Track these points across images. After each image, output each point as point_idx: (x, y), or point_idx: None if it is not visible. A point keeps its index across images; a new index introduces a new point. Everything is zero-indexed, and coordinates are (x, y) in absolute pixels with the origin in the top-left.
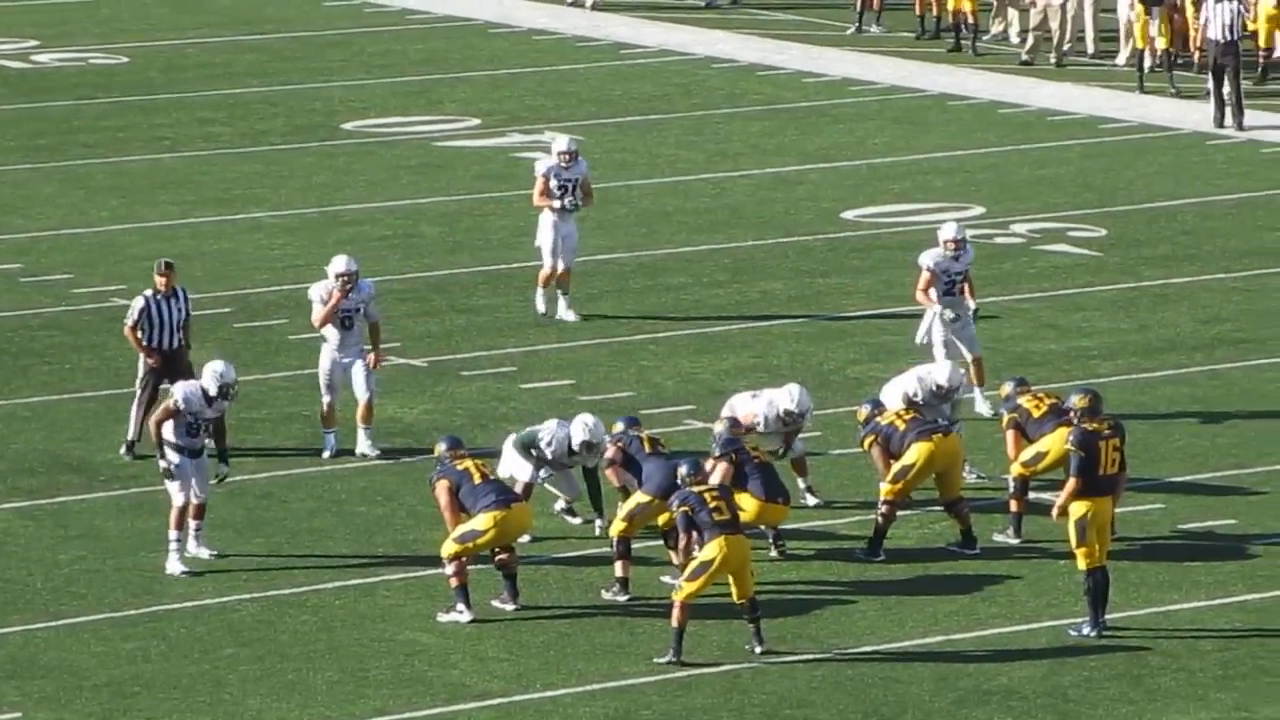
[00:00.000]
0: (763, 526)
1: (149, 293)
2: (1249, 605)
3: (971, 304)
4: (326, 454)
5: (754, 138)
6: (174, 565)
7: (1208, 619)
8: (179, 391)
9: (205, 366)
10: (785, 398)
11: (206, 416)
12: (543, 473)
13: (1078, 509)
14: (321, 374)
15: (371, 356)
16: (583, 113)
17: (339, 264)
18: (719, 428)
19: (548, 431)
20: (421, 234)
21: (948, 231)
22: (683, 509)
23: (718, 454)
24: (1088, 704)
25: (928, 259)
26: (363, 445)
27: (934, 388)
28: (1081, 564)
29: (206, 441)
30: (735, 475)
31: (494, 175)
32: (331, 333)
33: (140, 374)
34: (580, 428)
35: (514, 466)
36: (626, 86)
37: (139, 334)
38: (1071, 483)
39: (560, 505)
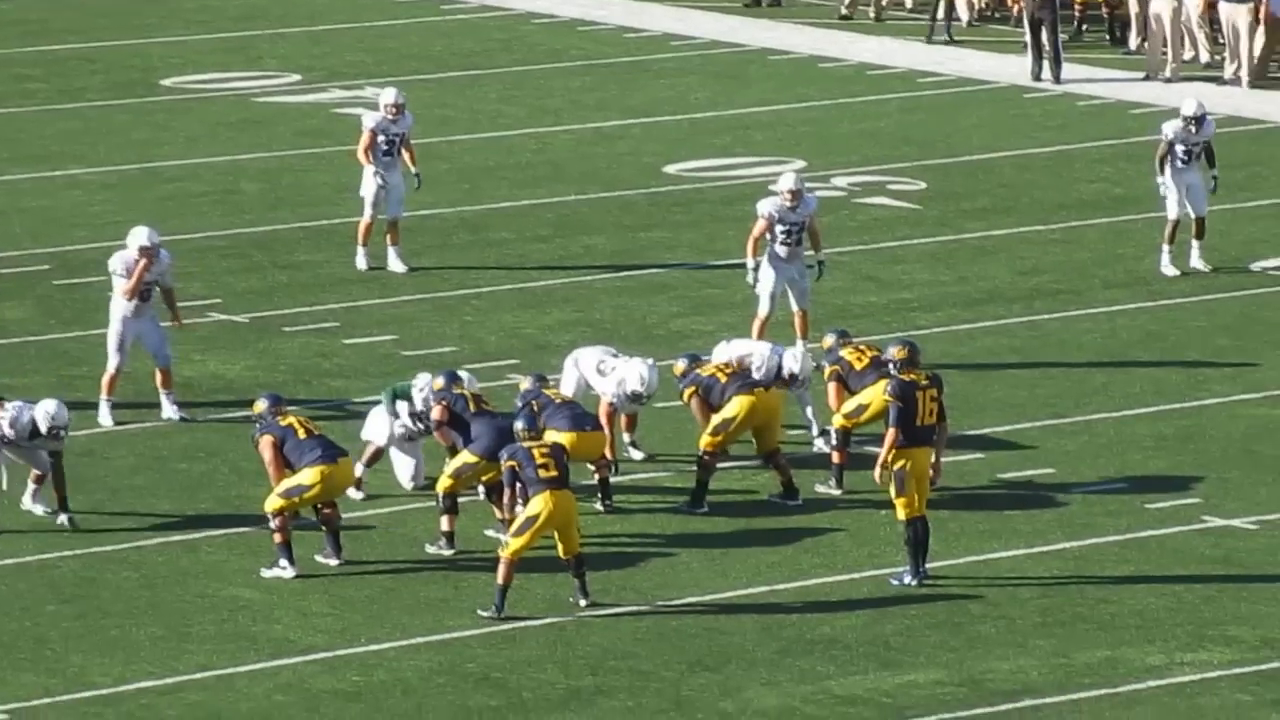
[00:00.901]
0: (588, 464)
1: None
2: (1067, 553)
3: (819, 255)
4: (105, 423)
5: (575, 93)
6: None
7: (1027, 567)
8: (10, 410)
9: (40, 404)
10: (635, 379)
11: (24, 445)
12: (399, 427)
13: (896, 460)
14: (112, 336)
15: (173, 319)
16: (404, 68)
17: (141, 237)
18: (525, 383)
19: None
20: (242, 190)
21: (785, 182)
22: (510, 464)
23: (519, 406)
24: (909, 652)
25: (765, 206)
26: (167, 410)
27: (783, 371)
28: (901, 514)
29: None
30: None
31: (314, 131)
32: (128, 301)
33: None
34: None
35: (373, 429)
36: (447, 42)
37: None
38: (891, 433)
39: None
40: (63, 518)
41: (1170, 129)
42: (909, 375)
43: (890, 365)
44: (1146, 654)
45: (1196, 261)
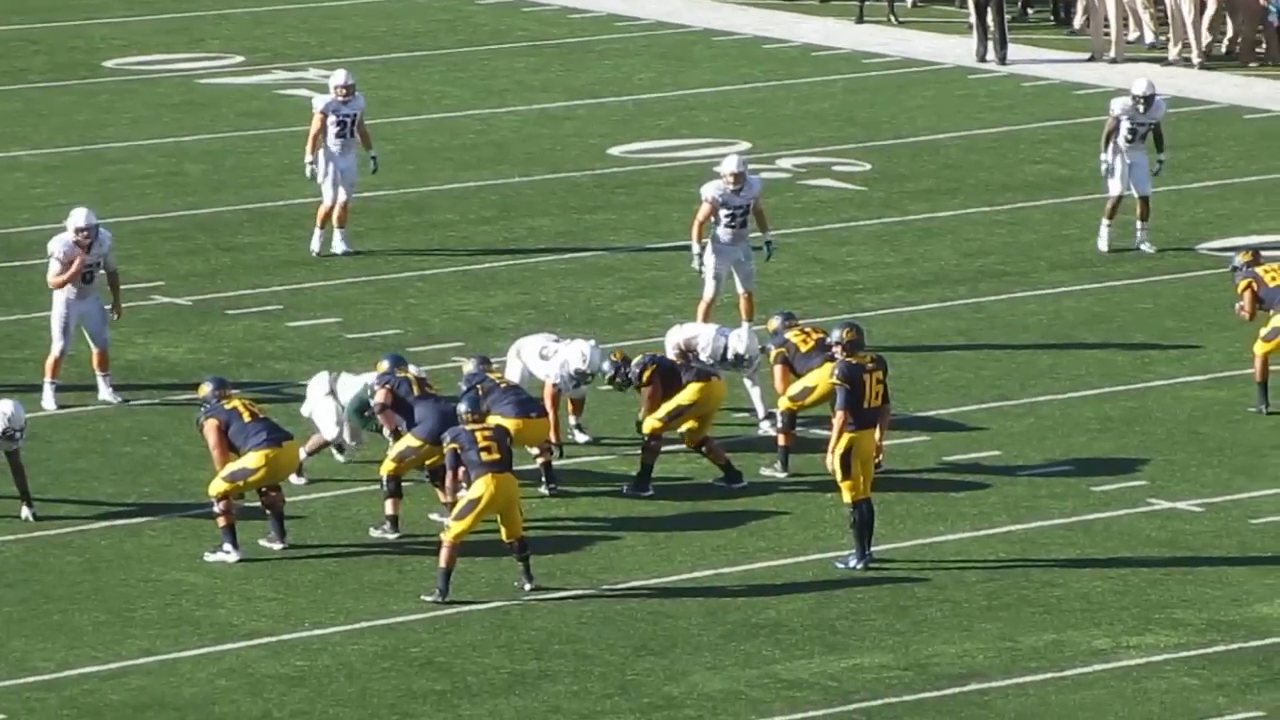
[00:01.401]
0: (530, 449)
1: None
2: (1013, 536)
3: (766, 236)
4: (48, 406)
5: (520, 74)
6: None
7: (973, 550)
8: None
9: None
10: (577, 357)
11: None
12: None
13: (845, 442)
14: (56, 319)
15: (112, 308)
16: (347, 49)
17: (78, 218)
18: (469, 366)
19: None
20: (185, 172)
21: (729, 165)
22: (452, 446)
23: (464, 390)
24: (855, 635)
25: (709, 190)
26: (104, 393)
27: (729, 353)
28: (846, 497)
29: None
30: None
31: (258, 113)
32: (59, 290)
33: None
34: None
35: (321, 418)
36: (391, 23)
37: None
38: (840, 416)
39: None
40: (25, 512)
41: (1118, 106)
42: (855, 358)
43: (835, 348)
44: (1092, 637)
45: (1143, 244)
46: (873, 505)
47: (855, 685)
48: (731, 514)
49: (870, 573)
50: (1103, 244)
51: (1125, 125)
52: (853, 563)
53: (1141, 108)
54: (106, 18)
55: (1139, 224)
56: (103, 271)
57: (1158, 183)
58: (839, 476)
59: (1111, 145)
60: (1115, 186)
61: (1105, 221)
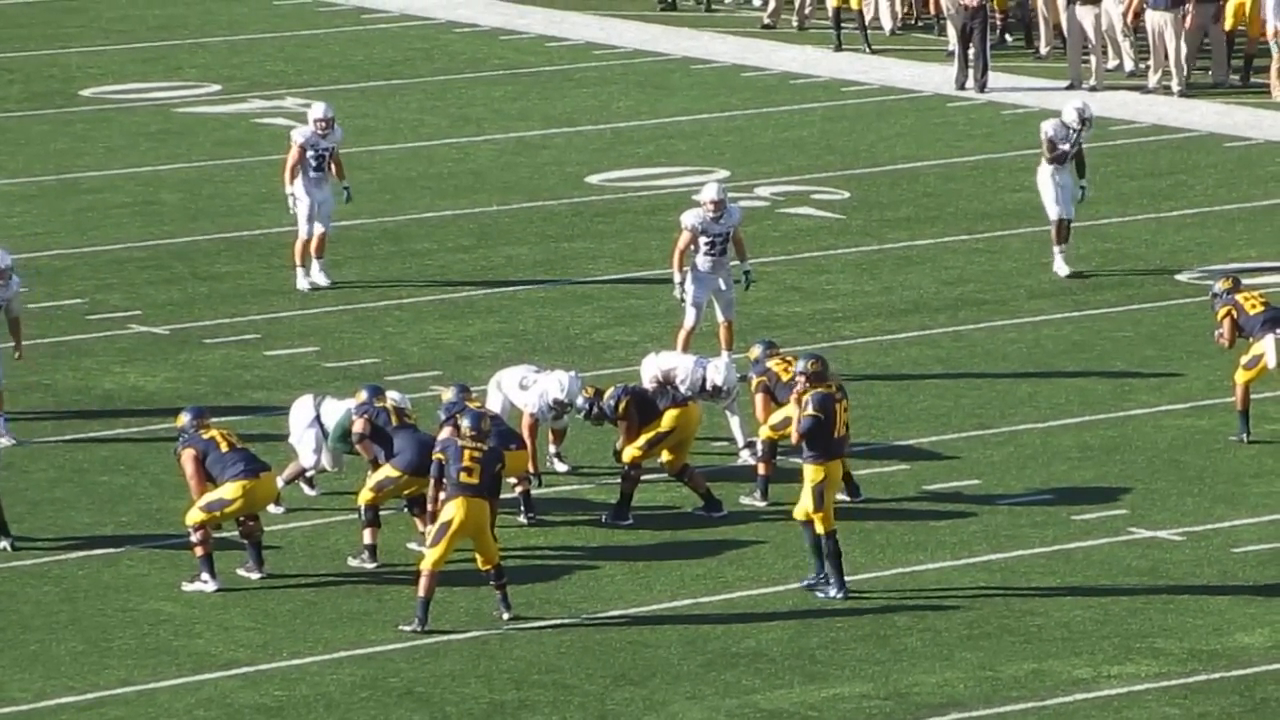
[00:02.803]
0: (509, 480)
1: None
2: (993, 565)
3: (744, 265)
4: None
5: (497, 102)
6: None
7: (953, 579)
8: None
9: None
10: (555, 387)
11: None
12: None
13: (815, 474)
14: None
15: (15, 349)
16: (324, 78)
17: None
18: (448, 395)
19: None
20: (162, 201)
21: (709, 193)
22: (438, 456)
23: (443, 419)
24: (835, 665)
25: (689, 218)
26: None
27: (708, 384)
28: (819, 528)
29: None
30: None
31: (235, 141)
32: None
33: None
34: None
35: (300, 444)
36: (368, 51)
37: None
38: (796, 435)
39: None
40: (3, 543)
41: (1050, 128)
42: (823, 387)
43: (800, 378)
44: (1073, 667)
45: (1059, 265)
46: (836, 534)
47: (835, 715)
48: (711, 543)
49: (850, 602)
50: (1061, 269)
51: (1060, 147)
52: (833, 592)
53: (1074, 129)
54: (82, 46)
55: (1060, 247)
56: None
57: (1137, 209)
58: (811, 508)
59: (1046, 168)
60: (1053, 210)
61: (1057, 248)
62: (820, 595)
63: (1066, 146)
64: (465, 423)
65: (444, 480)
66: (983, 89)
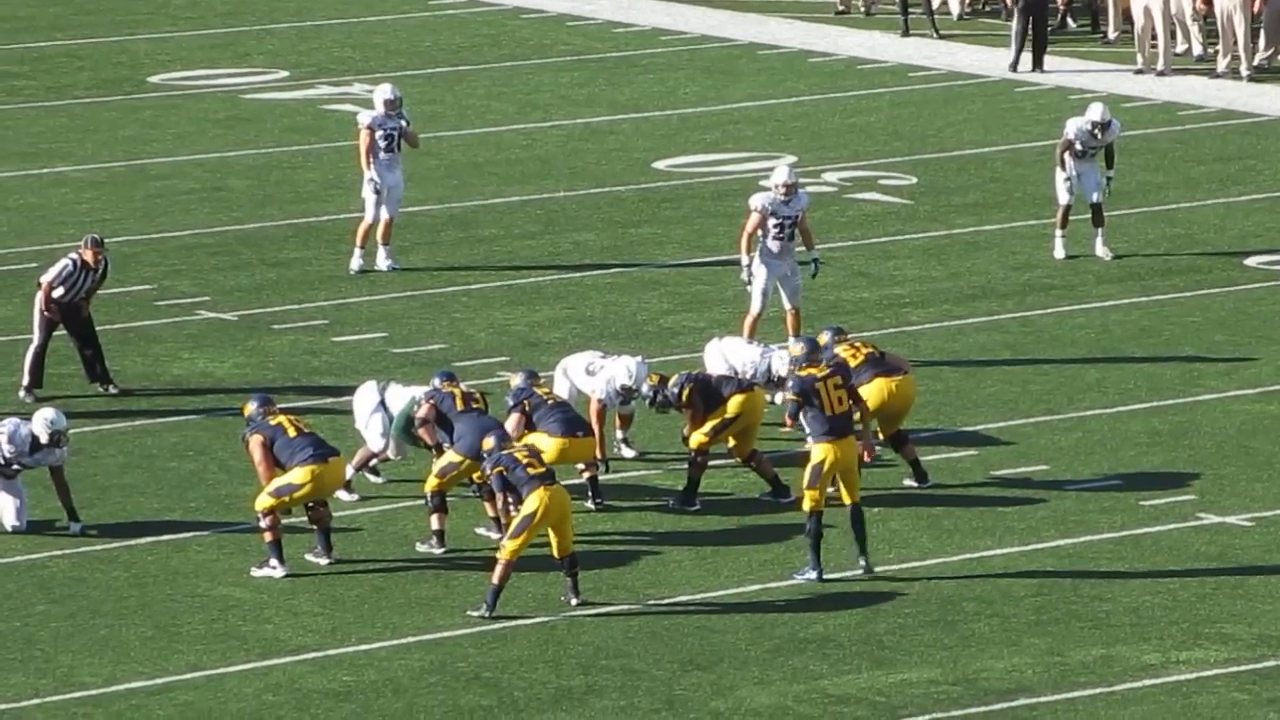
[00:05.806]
0: (577, 466)
1: (75, 258)
2: (1061, 550)
3: (813, 253)
4: None
5: (564, 88)
6: None
7: (1021, 564)
8: (7, 426)
9: (36, 414)
10: (622, 373)
11: (26, 462)
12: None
13: (819, 453)
14: None
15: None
16: (391, 64)
17: None
18: (516, 380)
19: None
20: (230, 187)
21: (780, 175)
22: (497, 470)
23: (510, 405)
24: (903, 650)
25: (757, 200)
26: None
27: (773, 373)
28: (806, 505)
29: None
30: (528, 421)
31: (302, 128)
32: None
33: (36, 321)
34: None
35: (368, 429)
36: (435, 37)
37: (52, 291)
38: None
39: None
40: (75, 526)
41: (1073, 128)
42: (807, 370)
43: (789, 363)
44: (1142, 652)
45: (1100, 250)
46: (862, 511)
47: (903, 700)
48: (778, 528)
49: (918, 587)
50: (1059, 252)
51: (1078, 147)
52: (810, 574)
53: (1098, 134)
54: (151, 33)
55: (1096, 231)
56: None
57: (1205, 194)
58: (805, 483)
59: (1068, 163)
60: (1063, 196)
61: (1059, 232)
62: (798, 578)
63: (1080, 147)
64: (491, 443)
65: (508, 490)
66: (1041, 69)
